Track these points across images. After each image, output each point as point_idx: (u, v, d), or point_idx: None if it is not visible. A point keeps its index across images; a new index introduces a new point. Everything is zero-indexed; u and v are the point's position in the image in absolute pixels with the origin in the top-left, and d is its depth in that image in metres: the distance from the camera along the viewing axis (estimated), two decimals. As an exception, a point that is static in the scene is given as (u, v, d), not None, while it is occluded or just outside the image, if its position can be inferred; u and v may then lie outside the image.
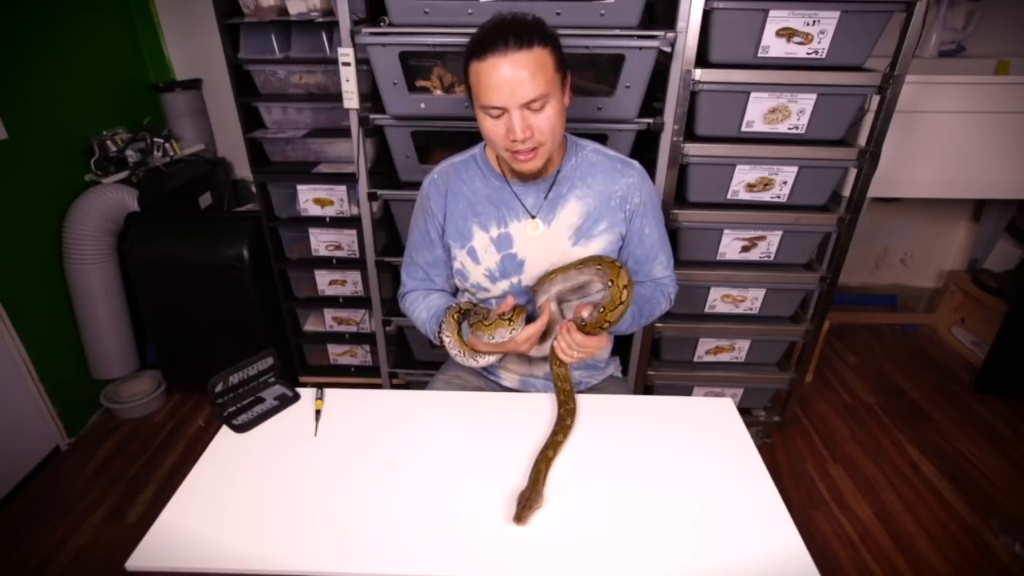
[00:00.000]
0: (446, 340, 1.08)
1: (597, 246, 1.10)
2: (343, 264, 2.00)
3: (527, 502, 0.83)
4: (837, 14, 1.33)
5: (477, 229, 1.11)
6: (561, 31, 1.01)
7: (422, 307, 1.17)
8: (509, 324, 0.99)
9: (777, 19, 1.34)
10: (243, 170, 2.49)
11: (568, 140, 1.11)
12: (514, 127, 0.93)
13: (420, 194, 1.16)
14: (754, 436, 1.22)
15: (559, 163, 1.09)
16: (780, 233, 1.61)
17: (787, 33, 1.36)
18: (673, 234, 1.62)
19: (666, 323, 1.74)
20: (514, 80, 0.91)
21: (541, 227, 1.09)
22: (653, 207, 1.13)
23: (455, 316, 1.07)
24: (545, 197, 1.09)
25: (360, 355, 2.20)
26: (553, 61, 0.94)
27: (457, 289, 1.23)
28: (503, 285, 1.13)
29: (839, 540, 1.63)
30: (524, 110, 0.93)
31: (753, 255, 1.66)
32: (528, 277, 1.12)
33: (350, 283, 2.05)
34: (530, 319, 1.04)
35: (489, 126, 0.97)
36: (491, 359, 1.09)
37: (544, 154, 0.99)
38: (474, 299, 1.18)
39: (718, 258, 1.66)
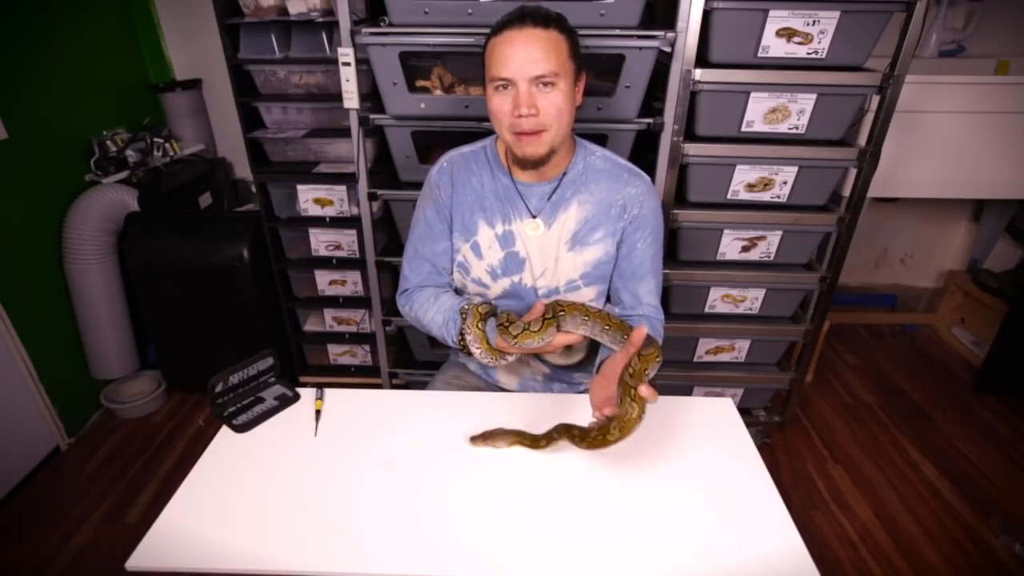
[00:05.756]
0: (475, 350, 1.03)
1: (592, 254, 1.09)
2: (343, 264, 2.00)
3: (492, 436, 0.94)
4: (837, 14, 1.33)
5: (483, 224, 1.10)
6: (561, 31, 1.01)
7: (434, 310, 1.10)
8: (537, 335, 0.96)
9: (777, 19, 1.34)
10: (243, 170, 2.49)
11: (577, 142, 1.10)
12: (520, 101, 0.93)
13: (427, 183, 1.14)
14: (754, 436, 1.22)
15: (566, 165, 1.08)
16: (780, 233, 1.61)
17: (787, 33, 1.36)
18: (673, 234, 1.62)
19: (666, 323, 1.74)
20: (526, 53, 0.92)
21: (541, 227, 1.08)
22: (653, 224, 1.09)
23: (479, 325, 1.02)
24: (548, 199, 1.08)
25: (360, 355, 2.20)
26: (568, 48, 0.96)
27: (457, 289, 1.22)
28: (504, 283, 1.12)
29: (839, 540, 1.63)
30: (532, 87, 0.94)
31: (753, 255, 1.66)
32: (529, 276, 1.11)
33: (350, 283, 2.05)
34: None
35: (496, 102, 0.97)
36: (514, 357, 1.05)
37: (548, 140, 0.98)
38: (472, 294, 1.16)
39: (718, 258, 1.66)
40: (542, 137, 0.97)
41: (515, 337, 0.96)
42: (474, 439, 0.95)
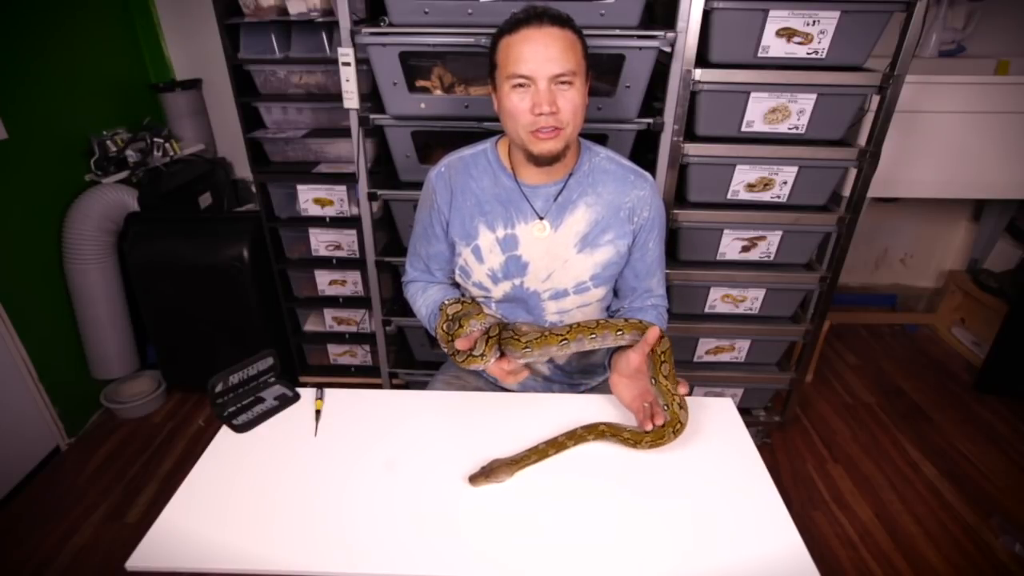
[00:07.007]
0: (442, 347, 1.06)
1: (602, 256, 1.09)
2: (343, 264, 2.00)
3: (493, 472, 0.87)
4: (837, 14, 1.33)
5: (483, 228, 1.10)
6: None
7: (421, 302, 1.19)
8: (461, 364, 0.99)
9: (777, 19, 1.34)
10: (243, 170, 2.49)
11: (582, 144, 1.10)
12: (540, 99, 0.94)
13: (426, 185, 1.15)
14: (754, 436, 1.22)
15: (572, 165, 1.08)
16: (780, 233, 1.61)
17: (787, 33, 1.36)
18: (673, 234, 1.62)
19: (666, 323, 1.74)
20: (546, 52, 0.93)
21: (548, 229, 1.08)
22: (660, 223, 1.12)
23: (444, 326, 1.03)
24: (555, 200, 1.08)
25: (360, 355, 2.20)
26: (582, 48, 0.97)
27: (457, 284, 1.22)
28: (505, 287, 1.12)
29: (839, 540, 1.63)
30: (551, 85, 0.94)
31: (753, 255, 1.66)
32: (533, 280, 1.11)
33: (350, 283, 2.05)
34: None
35: (514, 101, 0.96)
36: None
37: (564, 139, 0.98)
38: (471, 296, 1.16)
39: (718, 258, 1.66)
40: (560, 134, 0.97)
41: (451, 356, 1.00)
42: (474, 479, 0.87)
